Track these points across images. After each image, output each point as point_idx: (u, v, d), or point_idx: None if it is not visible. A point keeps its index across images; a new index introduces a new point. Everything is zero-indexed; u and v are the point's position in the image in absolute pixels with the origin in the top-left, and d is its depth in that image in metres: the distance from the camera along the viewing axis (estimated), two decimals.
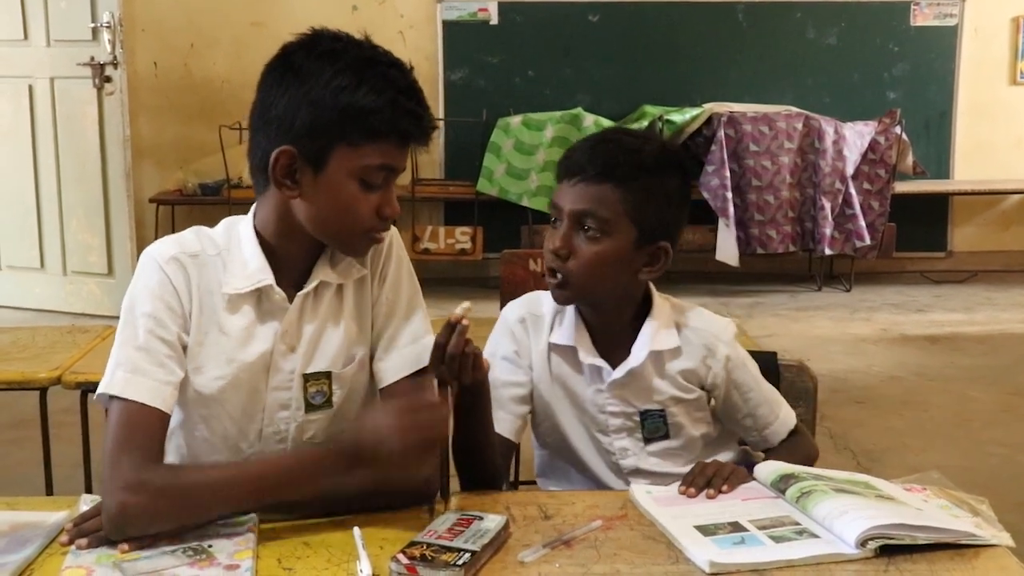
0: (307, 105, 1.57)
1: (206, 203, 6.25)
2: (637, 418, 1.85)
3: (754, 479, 1.71)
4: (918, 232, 6.91)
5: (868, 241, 6.36)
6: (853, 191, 6.35)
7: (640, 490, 1.68)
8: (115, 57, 5.52)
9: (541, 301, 1.91)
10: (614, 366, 1.83)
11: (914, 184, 6.69)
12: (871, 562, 1.46)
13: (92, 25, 5.52)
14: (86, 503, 1.58)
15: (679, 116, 6.36)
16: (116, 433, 1.55)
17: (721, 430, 1.94)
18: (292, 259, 1.68)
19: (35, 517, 1.57)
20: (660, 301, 1.87)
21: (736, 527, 1.54)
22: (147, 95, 6.60)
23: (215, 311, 1.66)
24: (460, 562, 1.41)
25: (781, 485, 1.65)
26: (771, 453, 1.91)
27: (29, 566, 1.45)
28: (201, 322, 1.65)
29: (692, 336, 1.86)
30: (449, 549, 1.44)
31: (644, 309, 1.86)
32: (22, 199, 5.85)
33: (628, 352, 1.83)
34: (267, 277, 1.65)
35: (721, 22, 6.77)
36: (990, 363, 5.18)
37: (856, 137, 6.34)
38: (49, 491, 2.88)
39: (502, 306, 3.41)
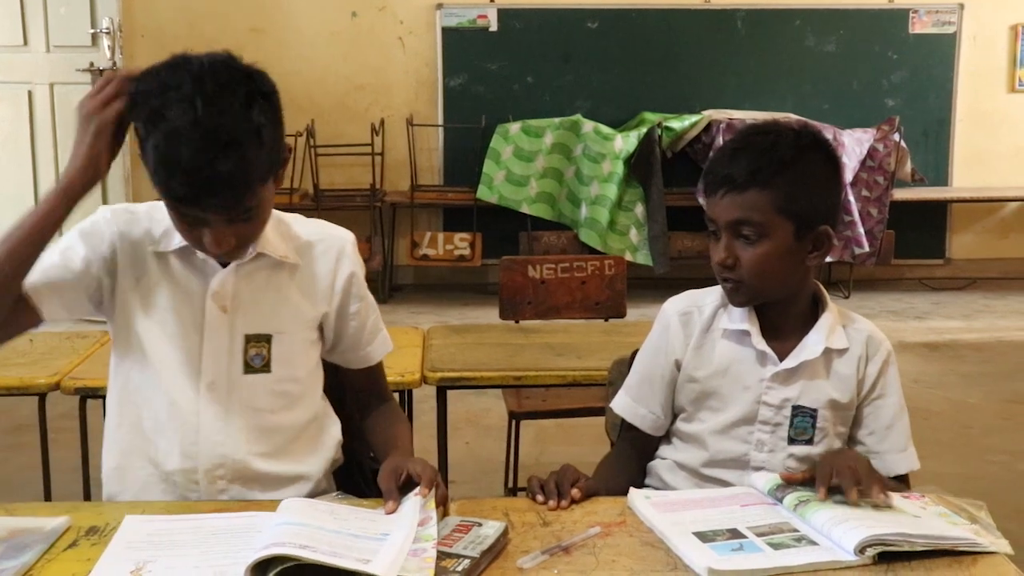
0: None
1: None
2: (788, 413, 1.85)
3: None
4: (916, 239, 6.92)
5: (867, 248, 6.37)
6: (852, 198, 6.36)
7: (639, 496, 1.68)
8: (115, 63, 5.54)
9: (706, 294, 1.93)
10: (780, 357, 1.85)
11: (913, 191, 6.70)
12: (870, 569, 1.46)
13: (92, 31, 5.54)
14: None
15: (678, 123, 6.37)
16: None
17: None
18: None
19: (33, 523, 1.56)
20: (830, 302, 1.89)
21: (735, 534, 1.54)
22: None
23: (146, 263, 1.80)
24: (459, 568, 1.41)
25: (778, 493, 1.65)
26: None
27: (28, 572, 1.45)
28: (132, 270, 1.80)
29: (855, 336, 1.88)
30: (448, 555, 1.44)
31: (812, 308, 1.89)
32: (21, 204, 5.76)
33: (793, 347, 1.85)
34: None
35: (720, 29, 6.78)
36: (989, 370, 5.19)
37: (855, 144, 6.35)
38: (47, 496, 2.88)
39: (501, 312, 3.45)
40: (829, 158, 1.85)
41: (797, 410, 1.85)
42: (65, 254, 1.76)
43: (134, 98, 1.66)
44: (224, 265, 1.79)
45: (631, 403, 1.97)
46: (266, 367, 1.81)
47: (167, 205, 1.68)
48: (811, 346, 1.85)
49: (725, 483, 1.85)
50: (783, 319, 1.87)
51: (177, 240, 1.77)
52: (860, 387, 1.88)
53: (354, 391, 2.03)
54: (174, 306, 1.79)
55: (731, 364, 1.88)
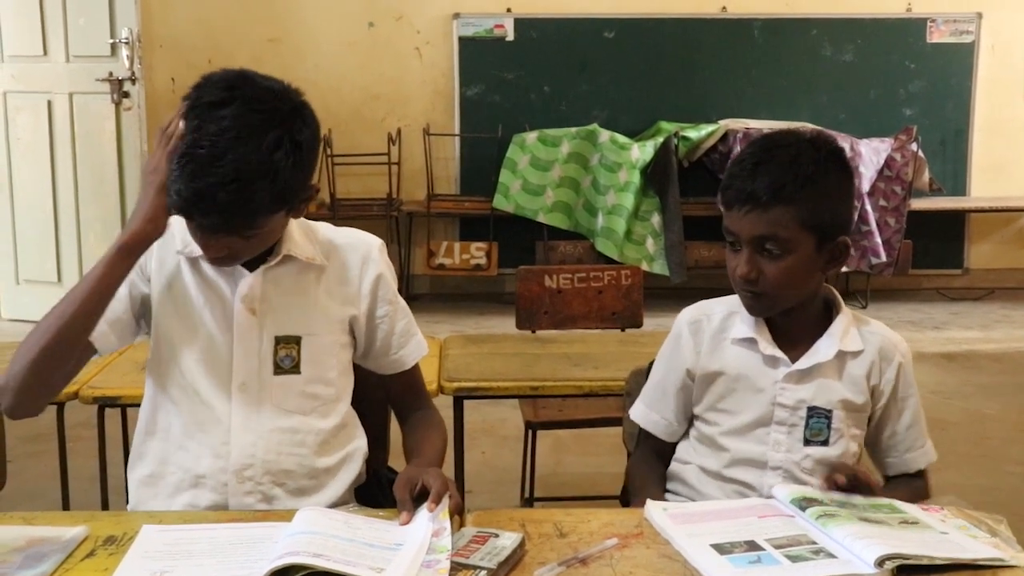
0: None
1: None
2: (803, 414, 1.87)
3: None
4: (934, 249, 6.90)
5: (884, 258, 6.35)
6: (869, 208, 6.34)
7: (656, 507, 1.68)
8: (133, 73, 5.56)
9: (716, 303, 1.96)
10: (793, 361, 1.87)
11: (930, 201, 6.68)
12: None
13: (111, 41, 5.57)
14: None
15: (695, 132, 6.37)
16: None
17: (862, 455, 1.95)
18: None
19: (51, 532, 1.57)
20: (844, 305, 1.91)
21: (752, 546, 1.53)
22: (165, 111, 6.54)
23: (176, 267, 1.84)
24: None
25: (803, 504, 1.64)
26: (891, 483, 1.94)
27: None
28: (164, 275, 1.84)
29: (871, 339, 1.90)
30: (465, 566, 1.44)
31: (824, 312, 1.91)
32: (40, 213, 5.89)
33: (806, 349, 1.87)
34: None
35: (737, 39, 6.78)
36: (1007, 381, 5.16)
37: (872, 154, 6.33)
38: (65, 505, 2.89)
39: (517, 322, 3.44)
40: (845, 168, 1.87)
41: (812, 411, 1.87)
42: None
43: (190, 100, 1.68)
44: (251, 269, 1.81)
45: (645, 410, 2.02)
46: (296, 368, 1.84)
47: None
48: (824, 349, 1.87)
49: (745, 484, 1.87)
50: (795, 324, 1.89)
51: None
52: (876, 392, 1.90)
53: (392, 399, 2.06)
54: (205, 309, 1.83)
55: (742, 369, 1.90)
